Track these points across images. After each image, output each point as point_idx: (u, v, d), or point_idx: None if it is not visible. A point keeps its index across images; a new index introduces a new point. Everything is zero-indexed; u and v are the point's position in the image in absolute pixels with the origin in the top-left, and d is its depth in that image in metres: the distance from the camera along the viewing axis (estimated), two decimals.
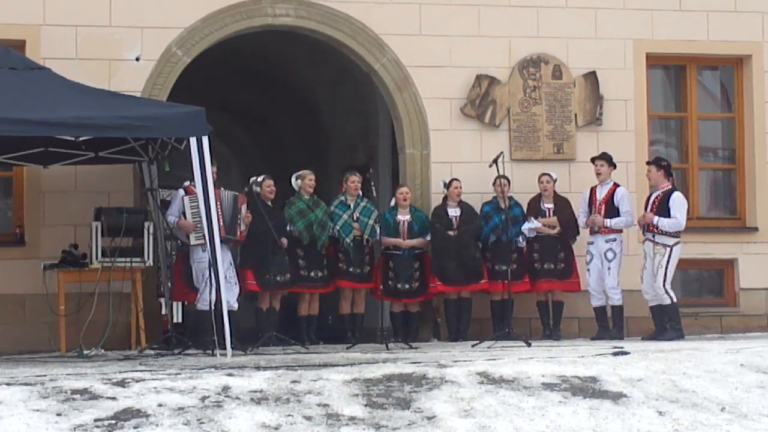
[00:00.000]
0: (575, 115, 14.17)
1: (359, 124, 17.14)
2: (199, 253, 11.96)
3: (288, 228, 12.93)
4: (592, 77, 14.22)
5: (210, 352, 11.03)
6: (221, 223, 11.64)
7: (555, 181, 13.57)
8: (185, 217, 12.17)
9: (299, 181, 13.31)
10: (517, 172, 13.76)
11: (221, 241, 11.14)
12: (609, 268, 13.04)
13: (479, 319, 13.45)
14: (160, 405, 7.65)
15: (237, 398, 7.87)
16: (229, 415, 7.54)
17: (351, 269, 13.23)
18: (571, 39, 14.18)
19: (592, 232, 13.23)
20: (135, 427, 7.29)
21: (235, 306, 12.10)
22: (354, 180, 13.44)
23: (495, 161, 12.42)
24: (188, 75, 13.48)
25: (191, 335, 12.00)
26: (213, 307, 11.06)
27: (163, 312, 13.74)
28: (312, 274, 13.11)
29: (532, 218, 13.42)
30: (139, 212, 12.52)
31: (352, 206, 13.32)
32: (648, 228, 12.73)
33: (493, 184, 13.28)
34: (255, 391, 8.02)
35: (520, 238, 13.26)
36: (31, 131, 10.50)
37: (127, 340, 12.52)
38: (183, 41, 13.35)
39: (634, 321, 13.34)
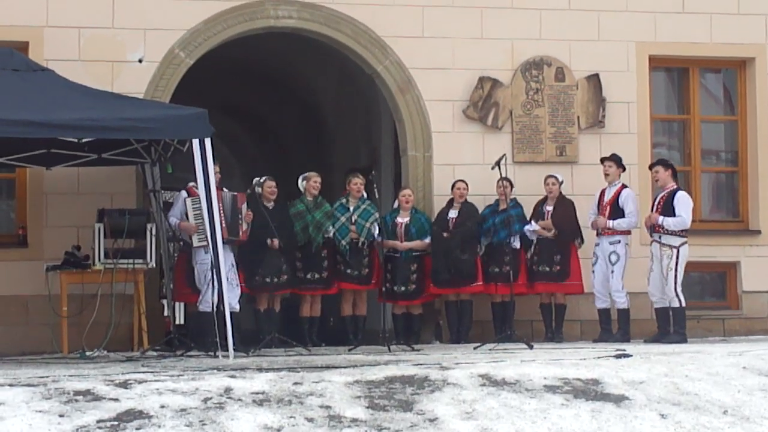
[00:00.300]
0: (578, 117, 14.17)
1: (362, 126, 17.15)
2: (202, 254, 11.96)
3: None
4: (594, 79, 14.22)
5: (212, 353, 11.03)
6: (223, 225, 11.65)
7: (561, 183, 13.56)
8: (187, 219, 12.18)
9: (305, 182, 13.34)
10: (520, 175, 13.77)
11: (223, 243, 11.13)
12: (612, 272, 13.04)
13: (481, 322, 13.46)
14: (162, 406, 7.65)
15: (239, 400, 7.87)
16: (232, 417, 7.55)
17: (349, 271, 13.24)
18: (573, 41, 14.19)
19: (598, 234, 13.23)
20: (137, 429, 7.29)
21: (237, 307, 12.11)
22: (357, 182, 13.45)
23: (497, 164, 12.42)
24: (191, 77, 13.48)
25: (194, 337, 12.01)
26: (215, 309, 11.07)
27: (166, 314, 13.74)
28: (309, 276, 13.11)
29: (533, 221, 13.43)
30: (141, 214, 12.52)
31: (351, 209, 13.34)
32: (654, 229, 12.72)
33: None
34: (257, 393, 8.02)
35: (512, 239, 13.16)
36: (34, 133, 10.49)
37: (129, 341, 12.53)
38: (186, 43, 13.36)
39: (636, 324, 13.31)
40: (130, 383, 8.14)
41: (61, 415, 7.42)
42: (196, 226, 12.00)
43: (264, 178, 13.02)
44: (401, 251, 13.37)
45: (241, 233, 12.32)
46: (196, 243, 12.07)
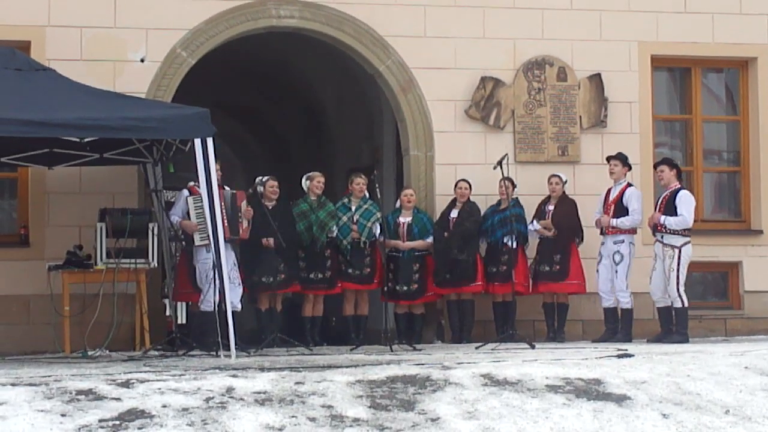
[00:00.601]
0: (580, 117, 14.17)
1: (364, 125, 17.15)
2: (203, 253, 11.97)
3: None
4: (596, 79, 14.22)
5: (214, 353, 11.03)
6: (225, 224, 11.64)
7: (565, 182, 13.55)
8: (189, 218, 12.18)
9: (308, 182, 13.34)
10: (522, 175, 13.76)
11: (225, 241, 11.13)
12: (617, 272, 13.03)
13: (483, 321, 13.46)
14: (164, 406, 7.65)
15: (241, 399, 7.87)
16: (233, 416, 7.55)
17: (350, 271, 13.24)
18: (575, 41, 14.18)
19: (602, 233, 13.21)
20: (139, 428, 7.30)
21: (239, 307, 12.11)
22: (359, 182, 13.45)
23: (499, 163, 12.42)
24: (193, 76, 13.49)
25: (195, 336, 12.01)
26: (217, 308, 11.07)
27: (168, 313, 13.75)
28: (312, 275, 13.11)
29: (534, 220, 13.43)
30: (143, 213, 12.52)
31: (353, 208, 13.34)
32: (656, 228, 12.71)
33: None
34: (259, 392, 8.02)
35: (506, 239, 13.12)
36: (36, 132, 10.49)
37: (131, 341, 12.54)
38: (188, 43, 13.36)
39: (639, 323, 13.30)
40: (132, 383, 8.14)
41: (63, 415, 7.42)
42: (196, 225, 12.00)
43: (266, 177, 13.04)
44: (403, 251, 13.38)
45: (241, 231, 12.31)
46: (198, 242, 12.07)
